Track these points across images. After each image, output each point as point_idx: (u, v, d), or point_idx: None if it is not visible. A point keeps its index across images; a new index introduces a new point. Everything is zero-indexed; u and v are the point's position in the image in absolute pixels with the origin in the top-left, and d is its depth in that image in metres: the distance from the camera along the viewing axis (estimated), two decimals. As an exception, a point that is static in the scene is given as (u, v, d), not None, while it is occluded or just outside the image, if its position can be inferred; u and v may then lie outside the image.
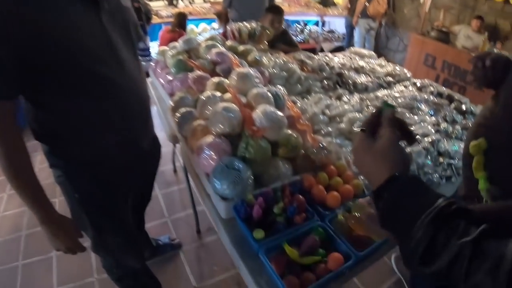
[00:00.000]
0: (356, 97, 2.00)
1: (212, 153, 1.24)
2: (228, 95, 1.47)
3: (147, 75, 2.04)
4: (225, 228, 1.13)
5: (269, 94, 1.46)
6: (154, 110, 1.57)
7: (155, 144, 1.43)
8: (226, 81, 1.59)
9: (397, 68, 2.54)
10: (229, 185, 1.12)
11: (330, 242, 1.03)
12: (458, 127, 1.75)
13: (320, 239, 1.00)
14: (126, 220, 1.32)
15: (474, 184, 0.90)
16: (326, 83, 2.16)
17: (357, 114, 1.70)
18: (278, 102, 1.48)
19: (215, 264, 1.96)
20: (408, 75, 2.48)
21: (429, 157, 1.49)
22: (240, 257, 1.03)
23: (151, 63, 2.30)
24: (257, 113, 1.29)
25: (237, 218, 1.05)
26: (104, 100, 1.00)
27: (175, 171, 2.79)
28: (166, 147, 1.80)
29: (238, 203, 1.07)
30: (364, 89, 2.19)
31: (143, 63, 2.27)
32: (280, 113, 1.32)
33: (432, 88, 2.18)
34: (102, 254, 1.35)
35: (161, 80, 1.98)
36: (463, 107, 1.96)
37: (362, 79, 2.25)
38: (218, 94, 1.47)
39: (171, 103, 1.62)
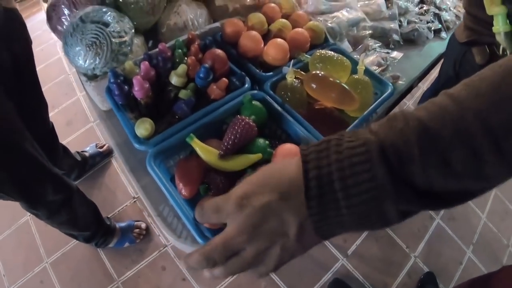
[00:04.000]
0: None
1: (65, 9, 0.70)
2: None
3: None
4: (107, 127, 0.71)
5: None
6: None
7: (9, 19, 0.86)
8: None
9: None
10: (87, 50, 0.63)
11: (276, 124, 0.64)
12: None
13: (259, 121, 0.59)
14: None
15: (483, 24, 0.72)
16: None
17: None
18: None
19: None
20: None
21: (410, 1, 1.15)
22: (131, 172, 0.64)
23: None
24: None
25: (111, 102, 0.61)
26: None
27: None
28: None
29: (110, 78, 0.61)
30: None
31: None
32: None
33: None
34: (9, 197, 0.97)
35: None
36: None
37: None
38: None
39: None
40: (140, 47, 0.74)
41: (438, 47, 1.05)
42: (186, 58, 0.64)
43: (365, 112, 0.66)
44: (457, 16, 1.19)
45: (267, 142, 0.58)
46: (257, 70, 0.68)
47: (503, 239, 1.58)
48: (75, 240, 1.38)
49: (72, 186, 1.11)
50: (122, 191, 1.59)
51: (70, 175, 1.57)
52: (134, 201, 1.56)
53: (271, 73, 0.69)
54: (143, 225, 1.46)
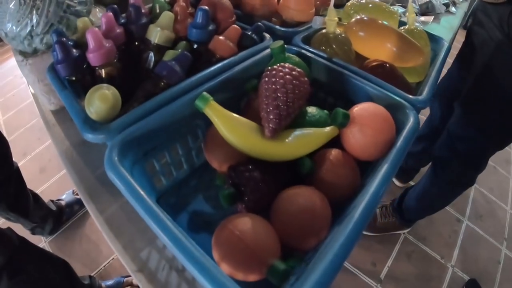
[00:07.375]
0: None
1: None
2: None
3: None
4: (54, 136, 0.42)
5: None
6: None
7: None
8: None
9: None
10: (21, 3, 0.36)
11: (324, 89, 0.38)
12: None
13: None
14: None
15: None
16: None
17: None
18: None
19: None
20: None
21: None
22: (85, 193, 0.35)
23: None
24: None
25: (51, 79, 0.33)
26: None
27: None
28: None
29: (52, 39, 0.33)
30: None
31: None
32: None
33: None
34: None
35: None
36: None
37: None
38: None
39: None
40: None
41: (452, 20, 0.87)
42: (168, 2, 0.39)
43: (432, 74, 0.42)
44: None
45: (325, 111, 0.31)
46: (277, 26, 0.43)
47: (533, 229, 1.36)
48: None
49: (15, 243, 0.76)
50: (106, 243, 1.23)
51: (44, 228, 1.22)
52: (122, 251, 1.21)
53: (295, 28, 0.44)
54: (135, 280, 1.11)
